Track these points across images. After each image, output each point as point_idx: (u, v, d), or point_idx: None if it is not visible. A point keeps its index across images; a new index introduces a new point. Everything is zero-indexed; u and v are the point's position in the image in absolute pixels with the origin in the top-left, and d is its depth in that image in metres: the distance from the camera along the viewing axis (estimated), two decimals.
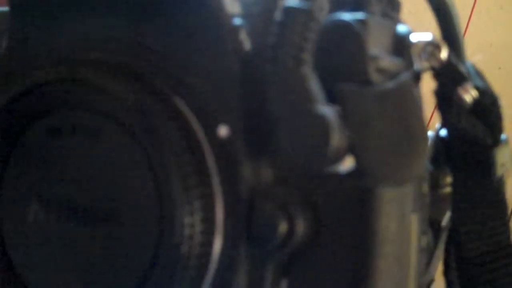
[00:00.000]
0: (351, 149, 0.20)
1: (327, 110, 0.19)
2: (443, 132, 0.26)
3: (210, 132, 0.21)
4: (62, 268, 0.22)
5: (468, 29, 1.16)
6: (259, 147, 0.21)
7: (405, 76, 0.21)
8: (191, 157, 0.21)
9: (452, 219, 0.27)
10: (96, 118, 0.22)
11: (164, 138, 0.21)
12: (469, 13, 1.16)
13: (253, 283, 0.21)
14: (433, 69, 0.24)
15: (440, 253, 0.29)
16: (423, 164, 0.21)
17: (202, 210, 0.20)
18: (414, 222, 0.23)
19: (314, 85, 0.19)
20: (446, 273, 0.28)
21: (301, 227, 0.21)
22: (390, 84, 0.20)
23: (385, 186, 0.20)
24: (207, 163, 0.21)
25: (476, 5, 1.16)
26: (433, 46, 0.24)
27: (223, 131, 0.21)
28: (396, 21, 0.24)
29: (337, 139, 0.19)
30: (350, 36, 0.21)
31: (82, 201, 0.22)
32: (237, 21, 0.22)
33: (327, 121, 0.19)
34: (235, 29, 0.22)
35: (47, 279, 0.23)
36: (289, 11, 0.20)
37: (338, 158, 0.20)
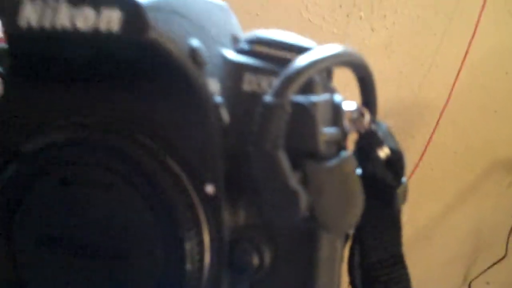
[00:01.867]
0: (309, 205, 0.27)
1: (297, 185, 0.26)
2: (359, 171, 0.33)
3: (199, 189, 0.27)
4: None
5: (476, 34, 1.20)
6: (236, 201, 0.28)
7: (345, 154, 0.28)
8: (188, 207, 0.27)
9: (358, 232, 0.35)
10: (105, 174, 0.27)
11: (168, 194, 0.27)
12: (477, 18, 1.19)
13: None
14: (358, 132, 0.31)
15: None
16: (357, 220, 0.29)
17: (196, 244, 0.27)
18: (340, 247, 0.31)
19: (286, 164, 0.26)
20: (350, 271, 0.37)
21: (268, 259, 0.28)
22: (335, 161, 0.27)
23: (328, 232, 0.28)
24: (198, 213, 0.27)
25: (484, 10, 1.18)
26: (358, 113, 0.31)
27: (209, 189, 0.27)
28: (332, 91, 0.31)
29: (304, 206, 0.26)
30: (308, 118, 0.28)
31: (90, 241, 0.27)
32: (218, 98, 0.28)
33: (298, 194, 0.26)
34: (217, 106, 0.28)
35: None
36: (268, 106, 0.26)
37: (304, 215, 0.27)
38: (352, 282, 0.37)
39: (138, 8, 0.25)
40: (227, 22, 0.32)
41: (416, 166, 1.33)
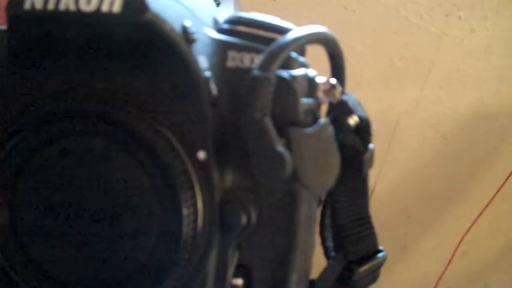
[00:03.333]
0: (292, 166, 0.30)
1: (282, 149, 0.29)
2: None
3: (192, 155, 0.30)
4: (76, 257, 0.30)
5: None
6: (224, 165, 0.31)
7: (323, 121, 0.31)
8: (183, 171, 0.30)
9: (330, 196, 0.39)
10: (104, 143, 0.30)
11: (164, 160, 0.29)
12: None
13: (220, 256, 0.31)
14: (330, 103, 0.35)
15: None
16: (334, 180, 0.32)
17: (191, 205, 0.30)
18: (315, 208, 0.34)
19: (273, 131, 0.29)
20: (322, 231, 0.40)
21: (254, 218, 0.31)
22: (315, 127, 0.31)
23: (307, 191, 0.31)
24: (191, 177, 0.30)
25: None
26: (331, 86, 0.34)
27: (201, 155, 0.30)
28: (306, 66, 0.34)
29: (289, 167, 0.29)
30: (289, 90, 0.31)
31: (90, 206, 0.30)
32: (207, 73, 0.31)
33: (284, 157, 0.29)
34: (207, 80, 0.31)
35: (63, 267, 0.30)
36: (256, 79, 0.29)
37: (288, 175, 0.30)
38: (323, 242, 0.40)
39: None
40: (209, 6, 0.35)
41: (511, 173, 1.29)
